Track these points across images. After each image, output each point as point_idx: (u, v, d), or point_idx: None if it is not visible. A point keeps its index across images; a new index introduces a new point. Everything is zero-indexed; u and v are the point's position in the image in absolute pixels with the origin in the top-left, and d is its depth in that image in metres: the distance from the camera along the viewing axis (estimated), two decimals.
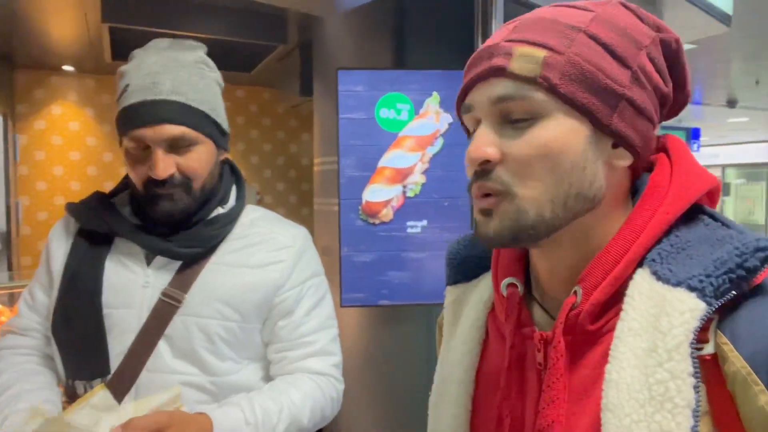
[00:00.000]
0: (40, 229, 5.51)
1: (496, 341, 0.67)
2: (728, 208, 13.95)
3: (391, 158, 2.67)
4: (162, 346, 1.05)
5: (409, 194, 2.68)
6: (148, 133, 0.99)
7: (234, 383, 1.10)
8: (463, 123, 0.64)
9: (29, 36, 4.39)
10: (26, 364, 1.12)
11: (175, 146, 1.02)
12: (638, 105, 0.55)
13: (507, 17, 1.88)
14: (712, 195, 0.59)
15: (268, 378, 1.17)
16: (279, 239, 1.16)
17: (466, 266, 0.74)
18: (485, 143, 0.55)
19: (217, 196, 1.14)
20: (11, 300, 2.51)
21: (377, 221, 2.68)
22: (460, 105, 0.62)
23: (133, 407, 0.95)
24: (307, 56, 4.18)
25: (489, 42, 0.58)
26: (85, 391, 1.05)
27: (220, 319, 1.07)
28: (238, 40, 3.73)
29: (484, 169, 0.55)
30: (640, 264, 0.55)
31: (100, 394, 0.98)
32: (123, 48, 4.28)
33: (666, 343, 0.48)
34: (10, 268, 4.79)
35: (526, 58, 0.53)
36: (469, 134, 0.63)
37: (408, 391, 2.46)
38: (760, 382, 0.46)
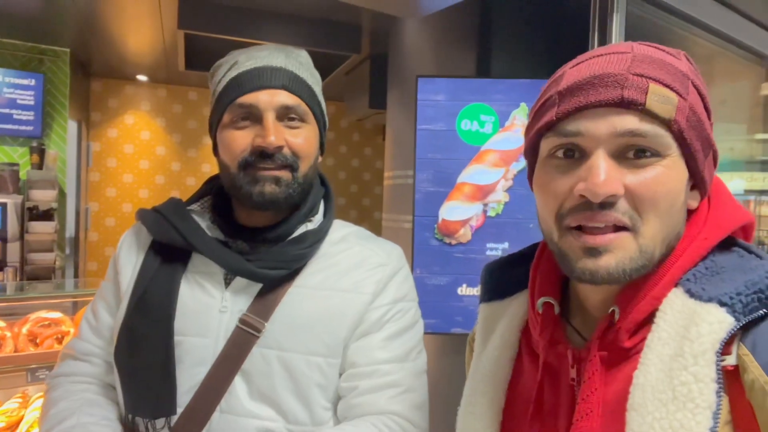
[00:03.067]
0: (107, 235, 5.63)
1: (528, 358, 0.69)
2: None
3: (472, 174, 2.46)
4: (238, 383, 0.89)
5: (490, 213, 2.47)
6: (262, 96, 0.90)
7: None
8: (533, 141, 0.62)
9: (106, 45, 4.50)
10: (84, 393, 0.96)
11: (285, 119, 0.93)
12: (716, 155, 0.61)
13: (628, 20, 1.67)
14: (747, 230, 0.62)
15: None
16: (372, 258, 0.99)
17: (501, 284, 0.76)
18: (614, 177, 0.54)
19: (303, 208, 0.98)
20: (75, 308, 2.46)
21: (454, 241, 2.48)
22: (546, 124, 0.59)
23: None
24: (378, 67, 4.08)
25: (606, 69, 0.56)
26: (147, 431, 0.89)
27: (303, 353, 0.90)
28: (313, 49, 3.65)
29: (607, 202, 0.54)
30: (675, 284, 0.57)
31: None
32: (196, 57, 4.31)
33: (693, 349, 0.51)
34: (76, 273, 4.88)
35: (662, 98, 0.54)
36: (532, 154, 0.63)
37: None
38: None
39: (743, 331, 0.52)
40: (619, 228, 0.55)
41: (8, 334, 2.14)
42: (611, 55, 0.57)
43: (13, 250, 4.02)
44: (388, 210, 3.14)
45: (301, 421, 0.90)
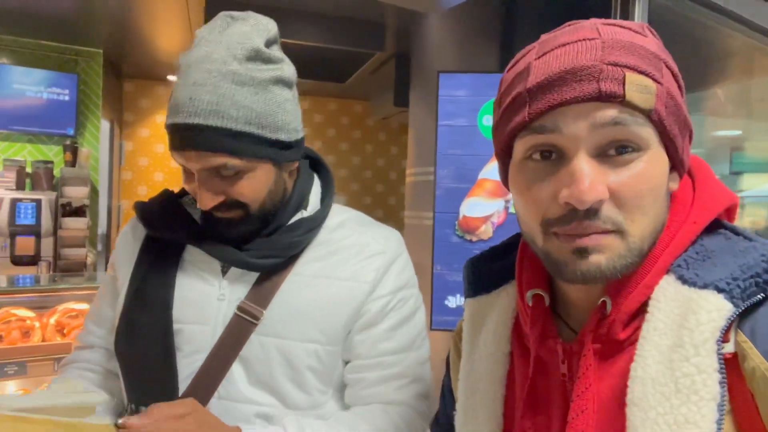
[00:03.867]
0: None
1: (519, 352, 0.67)
2: None
3: (494, 170, 2.43)
4: (236, 369, 0.90)
5: (512, 210, 2.43)
6: (188, 158, 0.83)
7: (317, 418, 0.93)
8: (506, 142, 0.59)
9: (137, 46, 4.60)
10: (78, 380, 1.00)
11: (220, 174, 0.85)
12: (692, 133, 0.59)
13: (651, 15, 1.62)
14: (730, 211, 0.61)
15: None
16: (371, 245, 0.97)
17: (486, 278, 0.73)
18: (598, 181, 0.51)
19: (291, 201, 0.96)
20: None
21: (475, 238, 2.45)
22: (519, 124, 0.55)
23: None
24: (402, 65, 4.07)
25: (577, 61, 0.52)
26: None
27: (302, 341, 0.91)
28: (337, 47, 3.67)
29: (592, 209, 0.51)
30: (666, 271, 0.56)
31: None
32: None
33: (693, 338, 0.49)
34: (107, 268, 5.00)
35: (640, 87, 0.51)
36: (506, 155, 0.60)
37: None
38: None
39: (740, 317, 0.50)
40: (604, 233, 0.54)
41: (37, 324, 2.21)
42: (579, 43, 0.53)
43: (46, 245, 4.15)
44: (410, 207, 3.13)
45: (300, 405, 0.91)
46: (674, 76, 0.56)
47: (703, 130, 3.77)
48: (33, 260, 4.11)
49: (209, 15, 3.40)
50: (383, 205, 6.44)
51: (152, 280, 0.93)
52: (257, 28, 0.87)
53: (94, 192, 4.67)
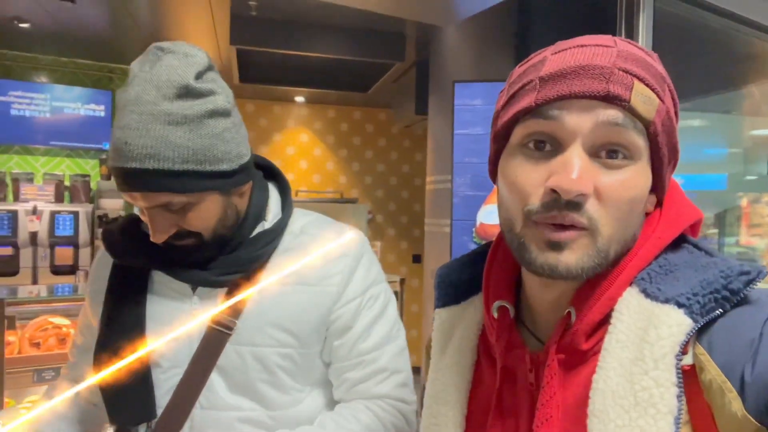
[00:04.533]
0: None
1: (487, 363, 0.68)
2: None
3: None
4: (215, 379, 0.94)
5: None
6: (135, 196, 0.85)
7: (296, 416, 0.98)
8: (506, 125, 0.60)
9: None
10: (56, 391, 1.09)
11: (168, 208, 0.87)
12: (676, 164, 0.61)
13: (656, 23, 1.63)
14: (695, 227, 0.62)
15: (333, 402, 1.05)
16: (334, 249, 1.00)
17: (455, 289, 0.74)
18: (587, 176, 0.52)
19: (249, 217, 0.98)
20: None
21: None
22: (524, 109, 0.56)
23: None
24: (423, 73, 4.12)
25: (591, 60, 0.54)
26: None
27: (276, 347, 0.95)
28: (358, 59, 3.74)
29: (575, 201, 0.52)
30: (629, 283, 0.57)
31: None
32: (248, 70, 4.50)
33: (653, 353, 0.50)
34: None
35: (645, 98, 0.53)
36: (503, 139, 0.61)
37: None
38: (733, 389, 0.48)
39: (698, 330, 0.51)
40: (579, 227, 0.55)
41: (72, 331, 2.32)
42: (596, 47, 0.55)
43: (84, 255, 4.33)
44: (430, 215, 3.16)
45: (280, 405, 0.96)
46: (674, 102, 0.57)
47: (740, 129, 3.69)
48: (71, 270, 4.30)
49: (234, 30, 3.52)
50: (408, 211, 6.48)
51: (124, 304, 0.96)
52: (186, 61, 0.84)
53: (128, 204, 4.84)
